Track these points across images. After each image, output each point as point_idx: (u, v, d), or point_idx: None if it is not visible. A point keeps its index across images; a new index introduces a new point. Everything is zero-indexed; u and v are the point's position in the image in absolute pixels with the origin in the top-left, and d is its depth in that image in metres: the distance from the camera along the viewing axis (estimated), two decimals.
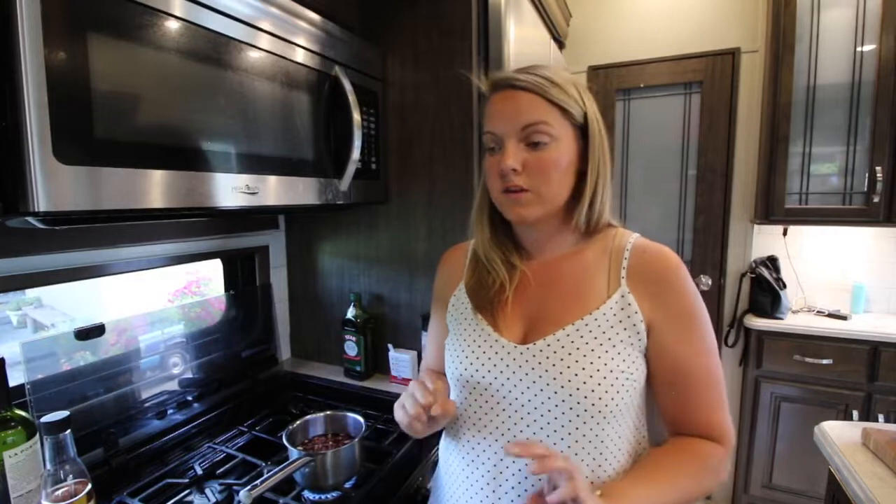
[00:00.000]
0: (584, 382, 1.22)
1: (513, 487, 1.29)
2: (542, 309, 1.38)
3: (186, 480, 1.80)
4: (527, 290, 1.43)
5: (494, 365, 1.35)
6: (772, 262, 3.98)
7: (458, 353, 1.43)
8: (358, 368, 2.70)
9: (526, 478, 1.27)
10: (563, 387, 1.24)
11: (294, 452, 1.69)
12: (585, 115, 1.33)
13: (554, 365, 1.26)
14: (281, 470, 1.59)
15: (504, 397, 1.32)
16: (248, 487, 1.50)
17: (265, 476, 1.56)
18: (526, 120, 1.27)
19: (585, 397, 1.22)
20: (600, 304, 1.31)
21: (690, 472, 1.29)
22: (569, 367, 1.25)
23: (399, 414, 1.36)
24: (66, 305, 8.58)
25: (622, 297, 1.30)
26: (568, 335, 1.29)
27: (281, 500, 1.65)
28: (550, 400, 1.25)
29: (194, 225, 2.33)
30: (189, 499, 1.73)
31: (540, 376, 1.27)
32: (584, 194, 1.35)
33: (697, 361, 1.30)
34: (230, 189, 1.63)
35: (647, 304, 1.29)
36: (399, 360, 2.61)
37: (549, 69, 1.33)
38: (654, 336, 1.29)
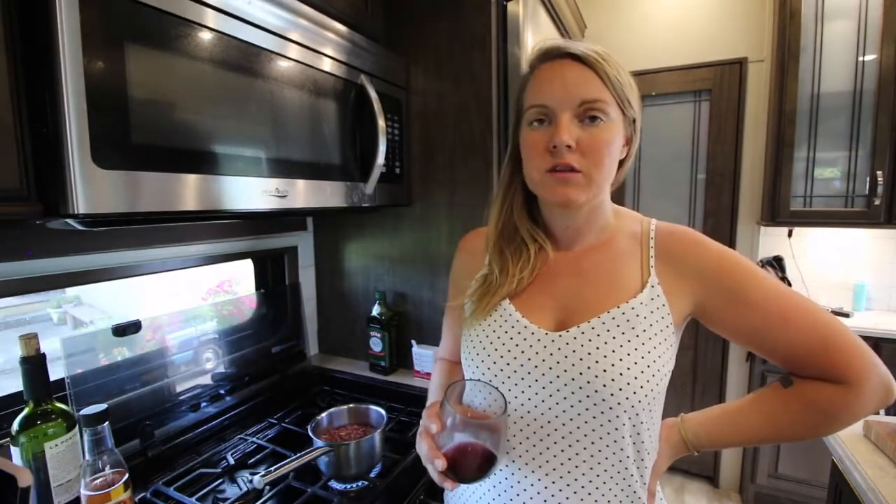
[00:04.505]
0: (621, 374, 1.12)
1: (532, 485, 1.19)
2: (574, 298, 1.26)
3: (219, 470, 1.80)
4: (557, 279, 1.31)
5: (522, 352, 1.22)
6: (778, 262, 3.95)
7: (479, 341, 1.30)
8: (383, 363, 2.70)
9: (547, 475, 1.18)
10: (597, 376, 1.12)
11: (318, 443, 1.69)
12: (632, 108, 1.21)
13: (589, 353, 1.15)
14: (297, 458, 1.59)
15: (529, 386, 1.19)
16: (262, 473, 1.51)
17: (280, 463, 1.56)
18: (585, 95, 1.14)
19: (620, 389, 1.11)
20: (635, 293, 1.21)
21: (790, 412, 1.21)
22: (605, 356, 1.14)
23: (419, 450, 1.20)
24: (104, 303, 8.63)
25: (652, 287, 1.20)
26: (603, 323, 1.17)
27: (309, 489, 1.65)
28: (582, 390, 1.13)
29: (226, 226, 2.34)
30: (222, 487, 1.73)
31: (573, 364, 1.15)
32: (617, 178, 1.27)
33: (770, 310, 1.15)
34: (261, 192, 1.62)
35: (686, 288, 1.20)
36: (422, 355, 2.60)
37: (610, 56, 1.19)
38: (712, 313, 1.21)
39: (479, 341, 1.30)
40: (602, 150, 1.16)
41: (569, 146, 1.14)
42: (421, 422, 1.21)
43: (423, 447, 1.15)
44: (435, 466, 1.09)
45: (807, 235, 4.09)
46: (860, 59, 3.39)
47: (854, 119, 3.45)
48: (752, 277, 1.18)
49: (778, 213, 3.69)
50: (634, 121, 1.23)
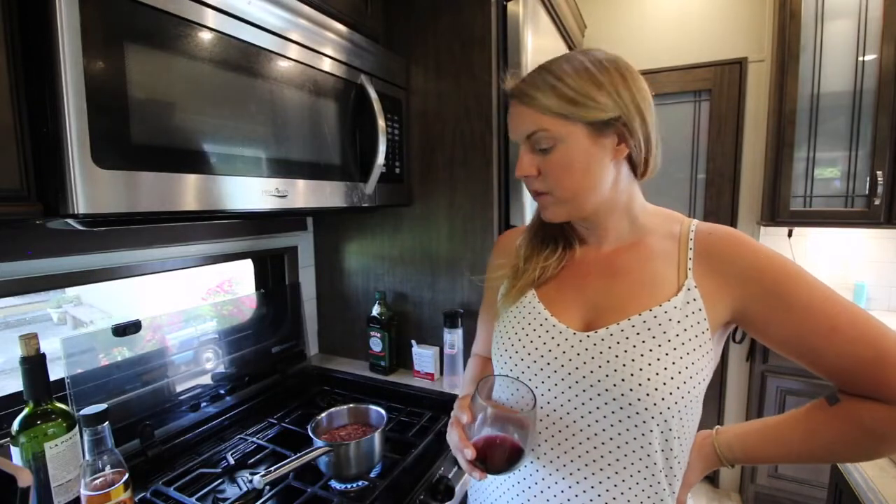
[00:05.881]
0: (649, 379, 1.09)
1: (556, 483, 1.19)
2: (605, 298, 1.25)
3: (219, 470, 1.80)
4: (588, 278, 1.30)
5: (549, 350, 1.22)
6: None
7: (507, 336, 1.32)
8: (383, 363, 2.70)
9: (571, 474, 1.17)
10: (623, 380, 1.11)
11: (318, 443, 1.69)
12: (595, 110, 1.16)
13: (617, 356, 1.13)
14: (297, 458, 1.60)
15: (556, 385, 1.20)
16: (262, 473, 1.51)
17: (280, 463, 1.56)
18: (525, 130, 1.20)
19: (648, 395, 1.09)
20: (670, 296, 1.17)
21: (833, 431, 1.14)
22: (633, 360, 1.12)
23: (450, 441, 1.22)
24: (104, 303, 8.66)
25: (688, 290, 1.16)
26: (633, 326, 1.15)
27: (309, 489, 1.65)
28: (608, 393, 1.13)
29: (226, 226, 2.34)
30: (221, 487, 1.73)
31: (599, 366, 1.14)
32: (643, 167, 1.27)
33: (817, 316, 1.09)
34: (261, 192, 1.62)
35: (726, 291, 1.15)
36: (422, 355, 2.60)
37: (559, 69, 1.19)
38: (754, 319, 1.15)
39: (507, 337, 1.32)
40: (558, 173, 1.20)
41: (528, 175, 1.24)
42: (452, 413, 1.22)
43: (453, 436, 1.17)
44: (465, 455, 1.10)
45: (807, 235, 4.09)
46: (860, 59, 3.38)
47: (854, 119, 3.44)
48: (798, 280, 1.12)
49: (778, 213, 3.68)
50: (619, 118, 1.17)
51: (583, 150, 1.18)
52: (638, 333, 1.14)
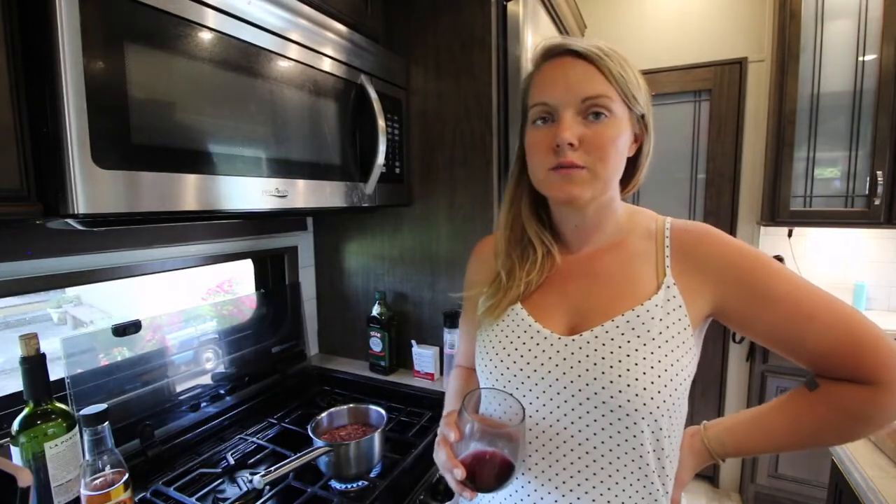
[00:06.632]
0: (637, 379, 1.08)
1: (549, 493, 1.17)
2: (587, 301, 1.23)
3: (219, 470, 1.80)
4: (569, 281, 1.28)
5: (535, 357, 1.20)
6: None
7: (491, 346, 1.28)
8: (383, 363, 2.70)
9: (564, 482, 1.16)
10: (612, 382, 1.09)
11: (318, 443, 1.69)
12: (638, 103, 1.19)
13: (603, 358, 1.12)
14: (297, 458, 1.59)
15: (544, 392, 1.17)
16: (262, 473, 1.51)
17: (280, 463, 1.56)
18: (588, 91, 1.13)
19: (637, 395, 1.08)
20: (650, 294, 1.17)
21: (817, 416, 1.15)
22: (619, 361, 1.10)
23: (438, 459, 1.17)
24: (104, 303, 8.67)
25: (668, 288, 1.16)
26: (617, 327, 1.14)
27: (309, 489, 1.64)
28: (597, 396, 1.11)
29: (226, 226, 2.34)
30: (221, 487, 1.73)
31: (587, 370, 1.12)
32: (635, 179, 1.31)
33: (795, 307, 1.10)
34: (261, 192, 1.61)
35: (704, 287, 1.16)
36: (422, 355, 2.60)
37: (618, 51, 1.17)
38: (733, 313, 1.16)
39: (491, 346, 1.29)
40: (607, 146, 1.14)
41: (571, 144, 1.12)
42: (438, 430, 1.19)
43: (441, 456, 1.13)
44: (454, 475, 1.07)
45: (807, 235, 4.09)
46: (860, 59, 3.38)
47: (854, 119, 3.44)
48: (774, 273, 1.13)
49: (778, 213, 3.68)
50: (643, 116, 1.21)
51: (626, 131, 1.18)
52: (622, 334, 1.14)
